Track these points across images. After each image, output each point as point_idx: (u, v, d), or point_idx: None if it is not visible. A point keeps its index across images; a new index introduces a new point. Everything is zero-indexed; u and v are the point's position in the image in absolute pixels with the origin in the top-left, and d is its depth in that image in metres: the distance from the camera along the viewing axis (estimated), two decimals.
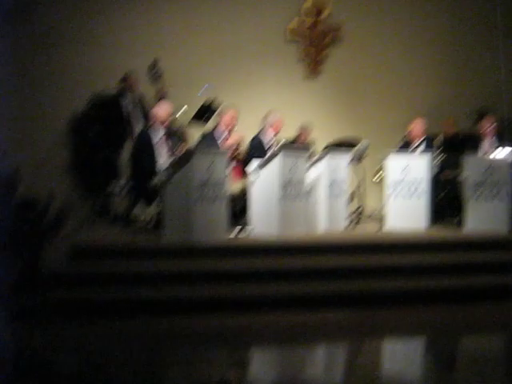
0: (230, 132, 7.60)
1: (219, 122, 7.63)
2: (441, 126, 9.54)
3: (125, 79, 8.31)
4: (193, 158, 6.10)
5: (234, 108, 7.66)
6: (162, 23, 9.47)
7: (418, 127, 8.41)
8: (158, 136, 7.01)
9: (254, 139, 7.77)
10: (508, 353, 4.91)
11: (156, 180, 6.46)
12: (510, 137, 8.57)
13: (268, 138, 7.75)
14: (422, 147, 8.33)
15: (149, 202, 6.79)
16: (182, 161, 6.17)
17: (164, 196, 6.24)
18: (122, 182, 7.56)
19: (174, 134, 7.24)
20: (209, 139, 7.36)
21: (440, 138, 8.20)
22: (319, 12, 10.04)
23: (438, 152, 8.06)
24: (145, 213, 6.62)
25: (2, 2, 7.82)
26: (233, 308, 5.38)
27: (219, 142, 7.47)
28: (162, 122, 7.02)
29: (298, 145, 8.47)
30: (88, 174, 8.61)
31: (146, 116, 8.27)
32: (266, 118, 7.84)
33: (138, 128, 8.11)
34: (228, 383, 3.22)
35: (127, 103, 8.27)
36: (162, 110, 7.06)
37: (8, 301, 3.70)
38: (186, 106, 7.49)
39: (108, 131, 8.26)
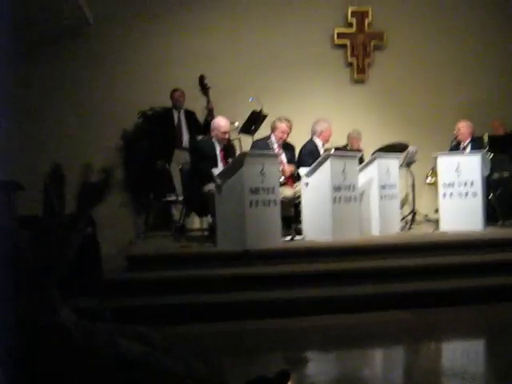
0: (282, 142, 7.60)
1: (273, 131, 7.59)
2: (489, 128, 9.45)
3: (172, 95, 8.52)
4: (244, 164, 6.15)
5: (287, 119, 7.63)
6: (209, 37, 9.60)
7: (464, 128, 8.31)
8: (218, 147, 7.04)
9: (304, 147, 7.79)
10: None
11: (209, 187, 6.53)
12: None
13: (318, 146, 7.76)
14: (469, 148, 8.23)
15: (204, 211, 6.87)
16: (234, 167, 6.23)
17: (217, 203, 6.31)
18: (176, 192, 7.65)
19: (231, 148, 7.28)
20: (261, 147, 7.33)
21: (485, 138, 8.03)
22: (363, 18, 10.05)
23: (486, 152, 7.92)
24: (200, 221, 6.69)
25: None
26: (288, 311, 5.39)
27: (272, 150, 7.44)
28: (224, 133, 7.01)
29: (346, 150, 8.45)
30: (141, 187, 8.77)
31: (197, 129, 8.46)
32: (314, 126, 7.86)
33: (186, 140, 8.32)
34: (286, 373, 3.23)
35: (176, 117, 8.50)
36: (223, 122, 7.05)
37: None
38: (237, 123, 7.57)
39: (158, 145, 8.42)
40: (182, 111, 8.57)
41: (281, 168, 7.29)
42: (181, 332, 5.00)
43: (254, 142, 7.54)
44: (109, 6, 9.23)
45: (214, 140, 7.04)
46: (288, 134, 7.60)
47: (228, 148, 7.15)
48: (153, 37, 9.44)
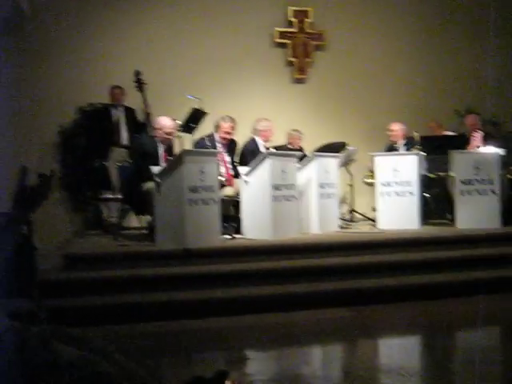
0: (225, 142, 7.56)
1: (216, 130, 7.53)
2: (427, 129, 9.68)
3: (111, 92, 8.39)
4: (184, 162, 6.10)
5: (231, 118, 7.60)
6: (148, 33, 9.49)
7: (397, 130, 8.47)
8: (161, 147, 6.91)
9: (245, 146, 7.80)
10: (502, 346, 4.92)
11: (148, 185, 6.46)
12: (494, 137, 8.66)
13: (259, 145, 7.77)
14: (404, 149, 8.39)
15: (142, 209, 6.79)
16: (174, 165, 6.17)
17: (156, 201, 6.24)
18: (114, 190, 7.54)
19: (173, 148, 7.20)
20: (204, 145, 7.26)
21: (416, 137, 8.16)
22: (304, 18, 10.11)
23: (420, 151, 8.07)
24: (139, 220, 6.61)
25: None
26: (228, 310, 5.39)
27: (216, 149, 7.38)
28: (168, 134, 6.88)
29: (287, 149, 8.49)
30: (78, 185, 8.61)
31: (136, 126, 8.36)
32: (255, 125, 7.88)
33: (124, 138, 8.21)
34: (224, 373, 3.21)
35: (114, 114, 8.36)
36: (168, 123, 6.92)
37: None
38: (178, 121, 7.49)
39: (96, 142, 8.27)
40: (122, 108, 8.45)
41: (223, 169, 7.28)
42: (119, 332, 4.94)
43: (196, 141, 7.47)
44: None
45: (157, 139, 6.93)
46: (231, 133, 7.58)
47: (171, 148, 7.07)
48: (90, 31, 9.27)
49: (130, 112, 8.47)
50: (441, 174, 8.46)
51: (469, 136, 8.30)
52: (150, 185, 6.42)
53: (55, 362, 2.13)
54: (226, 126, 7.50)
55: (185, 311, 5.31)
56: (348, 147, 8.70)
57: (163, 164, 6.61)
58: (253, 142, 7.82)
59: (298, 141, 8.85)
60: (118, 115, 8.41)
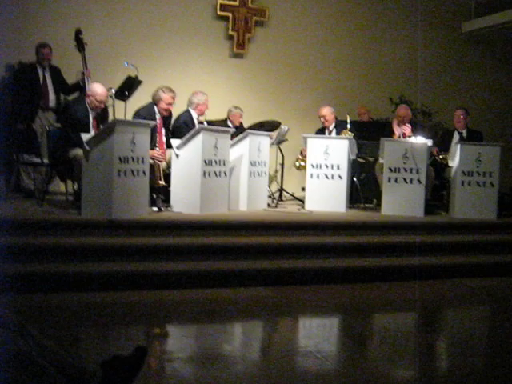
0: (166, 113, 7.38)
1: (157, 102, 7.29)
2: (356, 114, 9.85)
3: (40, 49, 8.04)
4: (115, 132, 5.97)
5: (171, 89, 7.37)
6: None
7: (328, 115, 8.43)
8: (91, 114, 6.71)
9: (179, 118, 7.67)
10: (417, 329, 5.08)
11: (76, 151, 6.30)
12: (423, 127, 8.86)
13: (194, 118, 7.68)
14: (334, 132, 8.46)
15: (69, 176, 6.63)
16: (104, 134, 6.03)
17: (84, 169, 6.09)
18: (39, 154, 7.32)
19: (105, 115, 7.01)
20: (144, 116, 7.08)
21: (348, 120, 8.24)
22: None
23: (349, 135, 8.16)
24: (64, 186, 6.44)
25: None
26: (151, 284, 5.37)
27: (156, 119, 7.21)
28: (99, 102, 6.68)
29: (226, 125, 8.42)
30: (3, 147, 8.31)
31: (62, 88, 8.11)
32: (191, 98, 7.77)
33: (52, 100, 7.96)
34: (143, 350, 3.20)
35: (41, 74, 8.05)
36: (100, 90, 6.70)
37: None
38: (113, 89, 7.29)
39: (22, 103, 7.98)
40: (47, 68, 8.08)
41: (157, 142, 7.18)
42: (39, 302, 4.84)
43: (136, 112, 7.27)
44: None
45: (88, 105, 6.74)
46: (172, 105, 7.39)
47: (101, 115, 6.89)
48: None
49: (55, 72, 8.10)
50: (370, 159, 8.61)
51: (395, 125, 8.44)
52: (78, 151, 6.27)
53: None
54: (167, 97, 7.26)
55: (107, 284, 5.23)
56: (282, 126, 8.73)
57: (93, 131, 6.44)
58: (187, 114, 7.71)
59: (239, 118, 8.75)
60: (45, 76, 8.08)
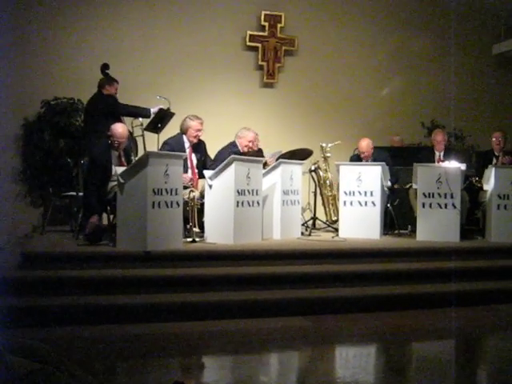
0: (196, 140, 7.47)
1: (185, 131, 7.41)
2: (389, 140, 9.82)
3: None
4: (148, 164, 6.04)
5: (198, 117, 7.48)
6: (119, 30, 9.40)
7: (366, 148, 8.38)
8: (114, 154, 6.79)
9: (226, 149, 7.72)
10: (456, 357, 5.00)
11: (110, 186, 6.39)
12: (457, 150, 8.81)
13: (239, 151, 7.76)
14: (371, 159, 8.44)
15: (102, 210, 6.70)
16: (138, 166, 6.11)
17: (119, 202, 6.17)
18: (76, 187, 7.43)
19: (130, 150, 7.08)
20: (173, 146, 7.19)
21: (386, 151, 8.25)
22: (275, 22, 10.13)
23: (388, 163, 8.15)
24: (95, 219, 6.51)
25: None
26: (187, 315, 5.38)
27: (185, 148, 7.35)
28: (120, 140, 6.73)
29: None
30: (40, 180, 8.48)
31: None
32: (239, 132, 7.88)
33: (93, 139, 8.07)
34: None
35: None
36: (121, 129, 6.74)
37: None
38: (141, 119, 7.39)
39: (62, 138, 8.15)
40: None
41: (189, 173, 7.25)
42: (75, 335, 4.88)
43: (165, 142, 7.37)
44: None
45: (108, 144, 6.79)
46: (201, 131, 7.47)
47: (127, 151, 6.95)
48: (59, 24, 9.13)
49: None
50: (404, 185, 8.56)
51: (434, 150, 8.41)
52: (112, 184, 6.36)
53: (8, 376, 2.09)
54: (195, 124, 7.38)
55: (143, 315, 5.26)
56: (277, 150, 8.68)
57: (118, 170, 6.45)
58: (235, 146, 7.78)
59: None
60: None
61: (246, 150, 7.79)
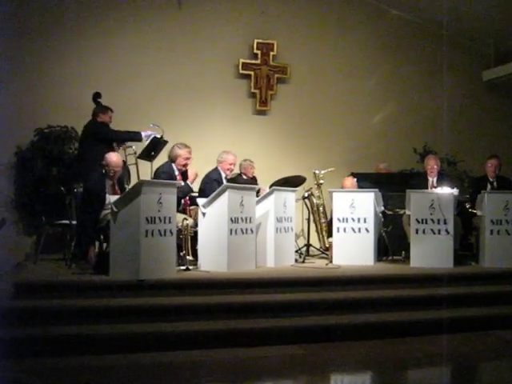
0: (184, 168, 7.52)
1: (174, 159, 7.47)
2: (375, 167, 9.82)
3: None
4: (141, 192, 6.04)
5: (186, 145, 7.54)
6: (111, 59, 9.46)
7: (351, 185, 8.44)
8: (108, 183, 6.77)
9: (208, 176, 7.79)
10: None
11: (104, 214, 6.38)
12: (450, 176, 8.85)
13: (222, 177, 7.81)
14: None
15: (96, 239, 6.69)
16: (131, 195, 6.11)
17: (112, 231, 6.16)
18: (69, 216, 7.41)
19: (123, 178, 7.09)
20: (165, 174, 7.26)
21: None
22: (268, 51, 10.22)
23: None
24: (92, 250, 6.49)
25: None
26: (181, 344, 5.33)
27: (175, 176, 7.40)
28: (115, 169, 6.72)
29: (245, 180, 8.50)
30: (33, 209, 8.46)
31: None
32: (219, 156, 7.90)
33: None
34: None
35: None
36: (115, 158, 6.75)
37: None
38: (134, 147, 7.42)
39: (55, 166, 8.16)
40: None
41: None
42: (68, 365, 4.84)
43: (159, 170, 7.43)
44: (4, 18, 8.90)
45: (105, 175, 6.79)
46: (190, 159, 7.53)
47: (121, 180, 6.95)
48: (52, 53, 9.20)
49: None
50: (398, 211, 8.57)
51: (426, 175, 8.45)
52: (106, 212, 6.35)
53: None
54: (184, 152, 7.45)
55: (136, 345, 5.22)
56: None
57: (112, 198, 6.43)
58: (217, 172, 7.83)
59: (251, 170, 8.85)
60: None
61: (228, 173, 7.82)
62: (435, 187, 8.16)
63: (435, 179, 8.36)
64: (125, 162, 7.41)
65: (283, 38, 10.36)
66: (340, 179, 8.85)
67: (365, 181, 8.64)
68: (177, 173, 7.47)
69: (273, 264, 7.51)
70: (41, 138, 8.70)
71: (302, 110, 10.50)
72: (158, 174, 7.38)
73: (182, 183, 7.16)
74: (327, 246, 8.64)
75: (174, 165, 7.46)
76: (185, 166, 7.49)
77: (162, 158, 7.83)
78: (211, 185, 7.53)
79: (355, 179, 8.49)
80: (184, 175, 7.58)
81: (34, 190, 8.49)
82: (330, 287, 6.65)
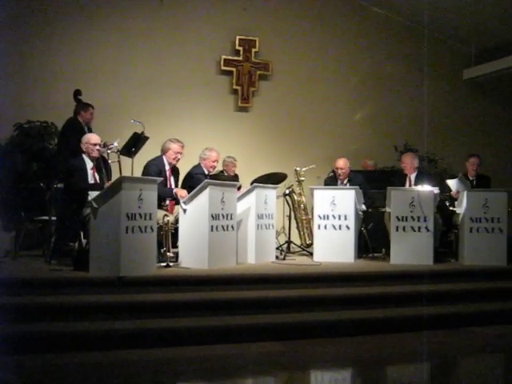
0: (175, 162, 7.57)
1: (165, 152, 7.51)
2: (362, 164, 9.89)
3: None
4: (122, 188, 6.01)
5: (178, 140, 7.56)
6: (92, 54, 9.41)
7: (344, 168, 8.50)
8: (88, 163, 6.82)
9: (193, 170, 7.81)
10: (430, 381, 5.00)
11: (87, 211, 6.34)
12: (429, 174, 8.90)
13: (204, 173, 7.86)
14: (346, 181, 8.51)
15: (77, 235, 6.64)
16: (112, 191, 6.07)
17: (92, 227, 6.12)
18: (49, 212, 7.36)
19: (105, 166, 7.06)
20: (158, 166, 7.34)
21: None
22: (250, 47, 10.22)
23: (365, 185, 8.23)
24: (72, 245, 6.45)
25: None
26: (161, 341, 5.31)
27: (165, 169, 7.46)
28: (94, 145, 6.77)
29: (226, 177, 8.48)
30: (13, 205, 8.38)
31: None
32: (202, 153, 7.91)
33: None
34: None
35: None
36: (93, 136, 6.88)
37: None
38: (116, 143, 7.35)
39: (35, 162, 8.09)
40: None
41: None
42: (48, 362, 4.79)
43: (147, 164, 7.46)
44: None
45: (84, 156, 6.85)
46: (181, 154, 7.56)
47: (100, 163, 6.95)
48: (32, 48, 9.13)
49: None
50: (379, 208, 8.61)
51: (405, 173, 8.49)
52: (87, 210, 6.31)
53: None
54: (176, 146, 7.50)
55: (116, 342, 5.18)
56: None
57: (92, 180, 6.48)
58: (200, 168, 7.88)
59: (233, 168, 8.85)
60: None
61: (211, 170, 7.88)
62: (415, 185, 8.19)
63: (413, 176, 8.39)
64: (105, 159, 7.36)
65: (265, 34, 10.36)
66: (321, 176, 8.89)
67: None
68: (167, 167, 7.49)
69: (254, 261, 7.51)
70: (20, 134, 8.62)
71: (283, 106, 10.51)
72: (148, 165, 7.43)
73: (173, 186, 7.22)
74: (308, 242, 8.67)
75: (164, 158, 7.52)
76: (175, 159, 7.53)
77: (144, 155, 7.78)
78: (199, 177, 7.60)
79: (347, 160, 8.51)
80: (176, 172, 7.66)
81: (13, 186, 8.40)
82: (311, 284, 6.67)
